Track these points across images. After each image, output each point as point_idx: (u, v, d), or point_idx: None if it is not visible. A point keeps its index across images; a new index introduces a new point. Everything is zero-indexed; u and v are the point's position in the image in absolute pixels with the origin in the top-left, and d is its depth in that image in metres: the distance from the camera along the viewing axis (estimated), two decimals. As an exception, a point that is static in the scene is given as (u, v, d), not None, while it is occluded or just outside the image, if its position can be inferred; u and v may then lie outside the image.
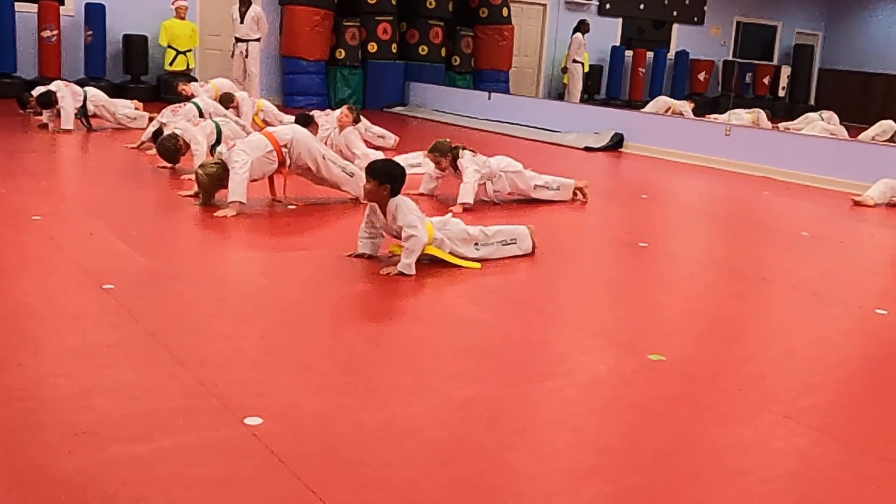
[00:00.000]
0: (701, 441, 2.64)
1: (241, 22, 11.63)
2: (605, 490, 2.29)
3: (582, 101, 14.84)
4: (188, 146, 6.62)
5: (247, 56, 11.72)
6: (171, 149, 6.59)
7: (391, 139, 8.79)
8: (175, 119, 7.41)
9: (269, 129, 5.91)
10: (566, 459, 2.45)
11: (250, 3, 11.75)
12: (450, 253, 4.40)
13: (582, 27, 15.00)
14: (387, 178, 4.26)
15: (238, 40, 11.70)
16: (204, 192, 5.45)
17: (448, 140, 6.10)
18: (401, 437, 2.49)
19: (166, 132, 6.85)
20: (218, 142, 6.92)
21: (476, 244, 4.51)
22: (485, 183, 6.10)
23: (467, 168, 5.95)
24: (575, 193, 6.57)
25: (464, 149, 6.05)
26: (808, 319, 4.10)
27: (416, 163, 6.83)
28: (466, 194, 5.88)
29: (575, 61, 15.03)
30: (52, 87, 8.53)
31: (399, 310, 3.90)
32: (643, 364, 3.23)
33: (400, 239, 4.27)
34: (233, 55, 11.79)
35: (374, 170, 4.31)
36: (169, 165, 6.82)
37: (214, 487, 2.15)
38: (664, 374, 3.15)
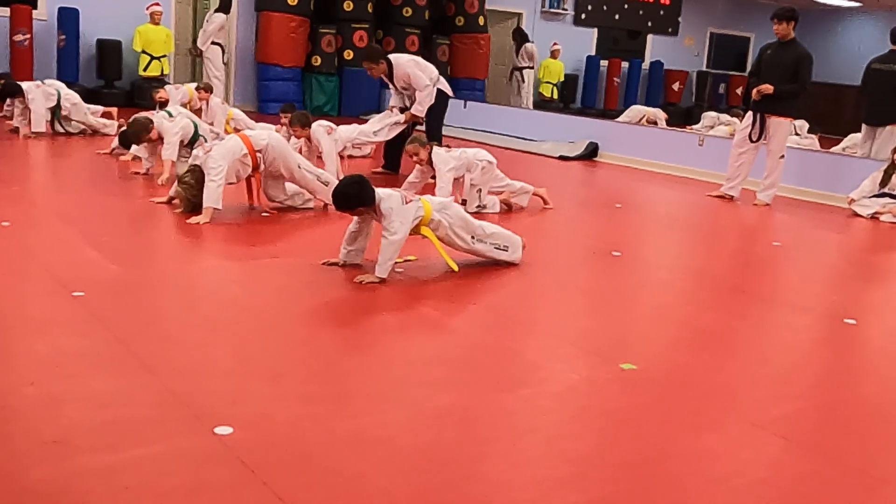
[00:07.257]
0: (672, 450, 2.66)
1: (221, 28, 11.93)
2: (577, 499, 2.30)
3: (540, 107, 14.89)
4: (161, 139, 6.54)
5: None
6: (142, 126, 6.43)
7: (368, 148, 8.79)
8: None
9: (245, 131, 5.88)
10: (539, 468, 2.46)
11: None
12: (444, 237, 4.39)
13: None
14: (352, 202, 4.20)
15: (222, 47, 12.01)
16: (186, 202, 5.37)
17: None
18: (373, 445, 2.48)
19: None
20: (195, 138, 6.88)
21: (473, 236, 4.50)
22: (463, 175, 6.10)
23: (440, 168, 5.95)
24: (544, 202, 6.60)
25: (438, 145, 6.07)
26: (778, 329, 4.14)
27: (378, 128, 7.51)
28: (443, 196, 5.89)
29: (520, 68, 15.17)
30: (24, 86, 8.41)
31: (372, 318, 3.89)
32: (616, 373, 3.24)
33: None
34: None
35: (339, 205, 4.24)
36: (131, 158, 7.08)
37: (184, 497, 2.14)
38: (636, 383, 3.17)
